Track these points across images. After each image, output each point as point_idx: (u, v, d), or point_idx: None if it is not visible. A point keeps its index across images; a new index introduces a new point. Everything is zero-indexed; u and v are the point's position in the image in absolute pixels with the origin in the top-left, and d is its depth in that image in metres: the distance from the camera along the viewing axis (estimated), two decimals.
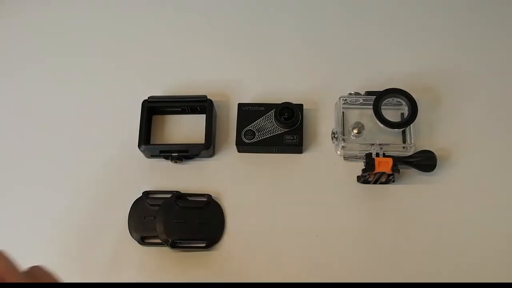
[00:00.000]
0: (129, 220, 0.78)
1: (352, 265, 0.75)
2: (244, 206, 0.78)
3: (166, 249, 0.76)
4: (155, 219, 0.77)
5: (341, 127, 0.79)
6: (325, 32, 0.90)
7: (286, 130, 0.79)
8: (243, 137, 0.80)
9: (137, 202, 0.79)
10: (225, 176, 0.80)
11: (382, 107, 0.78)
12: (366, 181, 0.78)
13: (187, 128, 0.83)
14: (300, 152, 0.81)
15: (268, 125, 0.80)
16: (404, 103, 0.79)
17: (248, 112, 0.81)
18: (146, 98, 0.82)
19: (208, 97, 0.81)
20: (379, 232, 0.76)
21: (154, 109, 0.83)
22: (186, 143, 0.80)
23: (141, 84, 0.86)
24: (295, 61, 0.87)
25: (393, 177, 0.77)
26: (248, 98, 0.84)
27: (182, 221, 0.77)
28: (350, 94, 0.80)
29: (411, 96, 0.78)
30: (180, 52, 0.89)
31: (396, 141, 0.79)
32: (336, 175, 0.79)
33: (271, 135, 0.79)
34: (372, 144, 0.77)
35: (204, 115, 0.81)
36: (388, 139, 0.79)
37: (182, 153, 0.79)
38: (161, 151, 0.80)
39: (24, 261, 0.77)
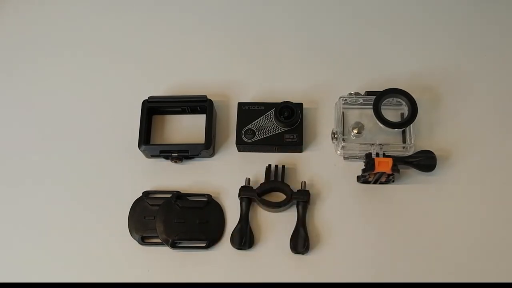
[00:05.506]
0: (129, 220, 0.78)
1: (351, 265, 0.75)
2: None
3: (166, 249, 0.76)
4: (155, 219, 0.77)
5: (341, 127, 0.79)
6: (325, 32, 0.90)
7: (286, 129, 0.79)
8: (243, 136, 0.80)
9: (137, 202, 0.79)
10: (225, 176, 0.80)
11: (382, 107, 0.78)
12: (366, 181, 0.78)
13: (187, 128, 0.83)
14: (300, 151, 0.81)
15: (268, 124, 0.80)
16: (404, 103, 0.79)
17: (248, 111, 0.81)
18: (146, 98, 0.82)
19: (208, 97, 0.82)
20: (379, 232, 0.76)
21: (154, 109, 0.83)
22: (186, 143, 0.80)
23: (141, 84, 0.86)
24: (295, 61, 0.87)
25: (393, 177, 0.77)
26: (248, 97, 0.84)
27: (182, 221, 0.77)
28: (350, 94, 0.80)
29: (411, 96, 0.78)
30: (180, 52, 0.89)
31: (396, 141, 0.79)
32: (336, 175, 0.79)
33: (271, 134, 0.79)
34: (372, 144, 0.77)
35: (204, 115, 0.81)
36: (388, 139, 0.79)
37: (182, 153, 0.79)
38: (161, 151, 0.80)
39: (23, 261, 0.78)
